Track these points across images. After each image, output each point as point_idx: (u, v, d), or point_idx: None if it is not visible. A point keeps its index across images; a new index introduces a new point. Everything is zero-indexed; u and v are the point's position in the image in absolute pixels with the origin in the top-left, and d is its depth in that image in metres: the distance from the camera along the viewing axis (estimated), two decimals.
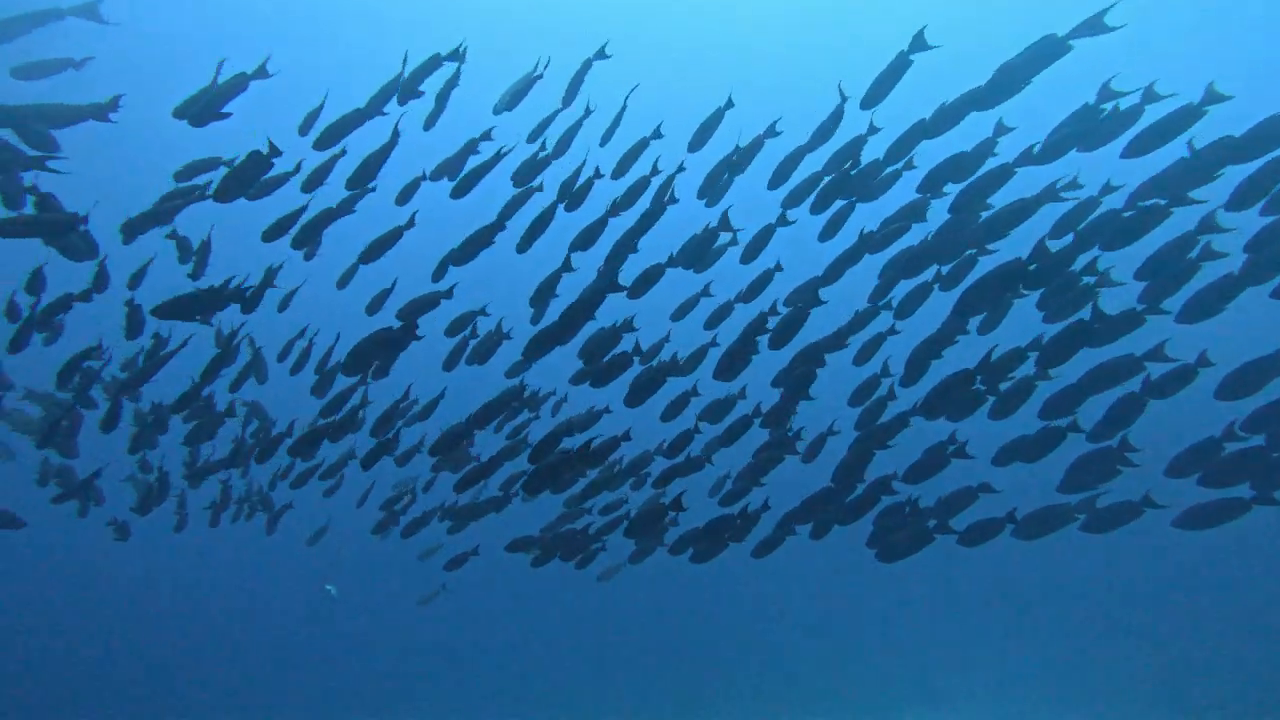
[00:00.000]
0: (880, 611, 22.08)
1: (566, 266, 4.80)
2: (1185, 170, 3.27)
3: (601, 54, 4.93)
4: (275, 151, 3.93)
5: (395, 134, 4.47)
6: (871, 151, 4.29)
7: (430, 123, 4.83)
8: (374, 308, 5.59)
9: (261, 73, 4.05)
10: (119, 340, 5.63)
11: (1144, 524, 4.03)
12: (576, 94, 4.92)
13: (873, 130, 4.52)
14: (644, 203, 4.88)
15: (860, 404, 4.96)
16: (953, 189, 4.05)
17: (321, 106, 4.73)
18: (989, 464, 4.33)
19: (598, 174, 4.94)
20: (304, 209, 4.56)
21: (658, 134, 5.08)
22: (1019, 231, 3.84)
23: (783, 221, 4.87)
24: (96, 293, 5.06)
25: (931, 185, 4.08)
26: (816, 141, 4.53)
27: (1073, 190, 3.71)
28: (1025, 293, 3.79)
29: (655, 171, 4.83)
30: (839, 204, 4.49)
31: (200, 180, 4.51)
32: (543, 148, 4.85)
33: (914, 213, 4.34)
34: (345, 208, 4.64)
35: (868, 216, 5.21)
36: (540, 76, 4.81)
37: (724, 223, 4.70)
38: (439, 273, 4.90)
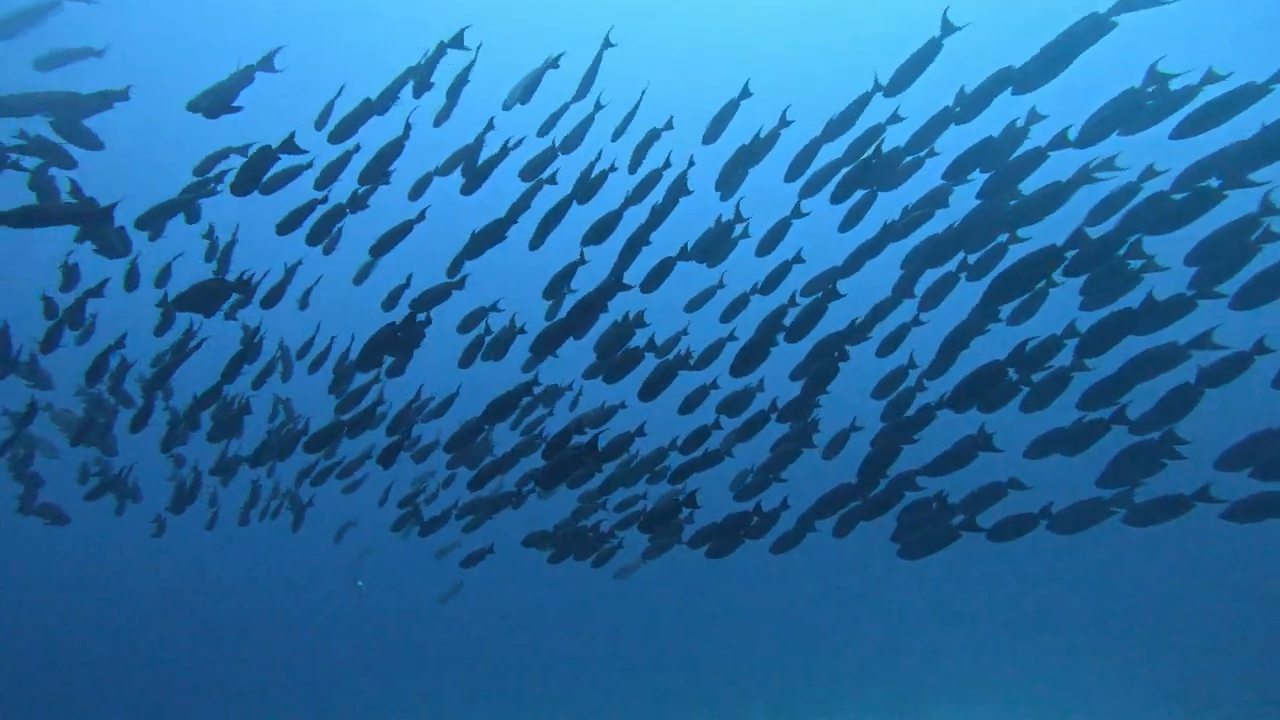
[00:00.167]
0: (908, 609, 21.78)
1: (581, 260, 4.74)
2: (1245, 151, 3.09)
3: (608, 43, 4.87)
4: (291, 147, 3.92)
5: (407, 128, 4.46)
6: (889, 142, 4.16)
7: (441, 119, 4.81)
8: (390, 304, 5.59)
9: (268, 65, 4.05)
10: (146, 339, 5.71)
11: (1161, 526, 3.84)
12: (591, 85, 4.86)
13: (895, 119, 4.39)
14: (641, 201, 4.84)
15: (885, 396, 4.82)
16: (978, 177, 3.90)
17: (337, 96, 4.73)
18: (1004, 458, 4.18)
19: (613, 168, 4.87)
20: (320, 201, 4.55)
21: (669, 125, 5.00)
22: (1053, 218, 3.68)
23: (797, 213, 4.76)
24: (127, 290, 5.13)
25: (958, 172, 3.93)
26: (834, 132, 4.41)
27: (1107, 171, 3.54)
28: (1059, 281, 3.62)
29: (667, 165, 4.77)
30: (859, 194, 4.36)
31: (207, 177, 4.52)
32: (554, 143, 4.81)
33: (937, 200, 4.20)
34: (360, 202, 4.63)
35: (888, 208, 5.07)
36: (555, 65, 4.75)
37: (737, 215, 4.64)
38: (454, 269, 4.87)
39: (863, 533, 5.14)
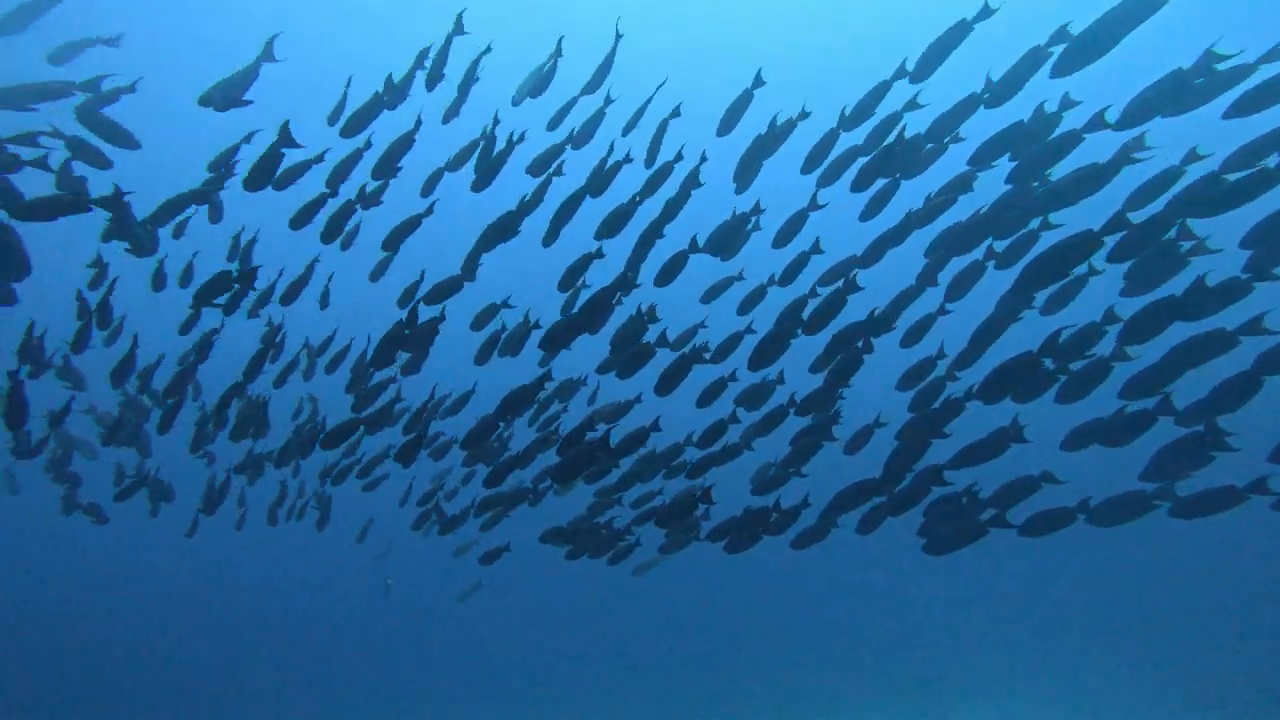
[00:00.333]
0: (934, 604, 21.52)
1: (598, 254, 4.68)
2: None
3: (617, 34, 4.81)
4: (287, 140, 3.89)
5: (418, 123, 4.42)
6: (908, 132, 4.03)
7: (450, 115, 4.77)
8: (404, 300, 5.56)
9: (268, 55, 4.02)
10: (172, 340, 5.74)
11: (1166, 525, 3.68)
12: (605, 77, 4.80)
13: (913, 106, 4.25)
14: (654, 193, 4.78)
15: (911, 388, 4.70)
16: (1003, 164, 3.75)
17: (347, 90, 4.70)
18: (1027, 452, 4.04)
19: (628, 158, 4.81)
20: (330, 195, 4.53)
21: (676, 113, 4.91)
22: (1089, 204, 3.53)
23: (814, 205, 4.68)
24: (155, 290, 5.17)
25: (984, 158, 3.79)
26: (851, 123, 4.29)
27: (1143, 151, 3.38)
28: (1101, 269, 3.47)
29: (679, 158, 4.71)
30: (880, 183, 4.24)
31: (208, 179, 4.51)
32: (573, 131, 4.77)
33: (961, 186, 4.06)
34: (373, 198, 4.60)
35: (910, 198, 4.94)
36: (560, 54, 4.69)
37: (754, 208, 4.60)
38: (469, 264, 4.83)
39: (885, 527, 5.03)
